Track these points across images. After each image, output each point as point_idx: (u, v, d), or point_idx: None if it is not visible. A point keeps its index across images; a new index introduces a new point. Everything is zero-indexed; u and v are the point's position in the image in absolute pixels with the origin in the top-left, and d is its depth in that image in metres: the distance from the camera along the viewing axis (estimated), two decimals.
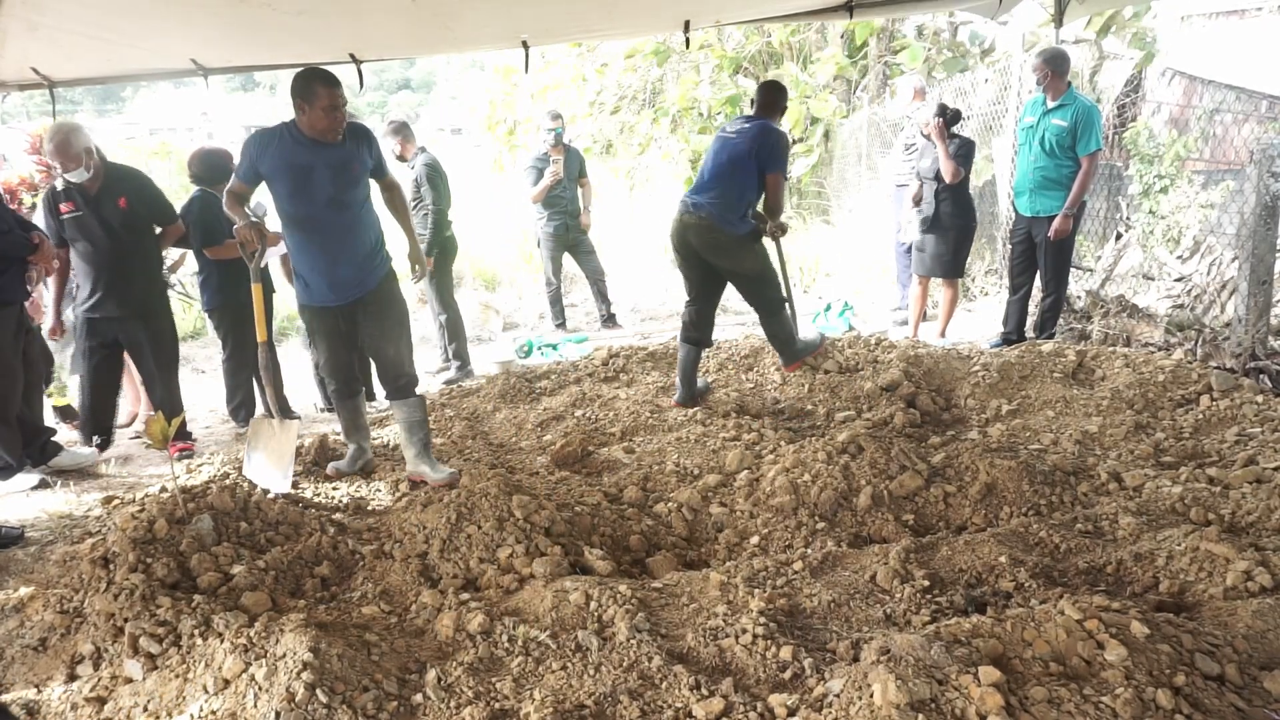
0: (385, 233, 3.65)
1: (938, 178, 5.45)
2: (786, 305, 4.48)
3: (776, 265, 4.50)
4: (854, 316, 6.74)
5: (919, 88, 6.69)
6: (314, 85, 3.24)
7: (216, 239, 4.52)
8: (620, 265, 9.54)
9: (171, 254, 5.69)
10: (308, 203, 3.38)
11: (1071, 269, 5.58)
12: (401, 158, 5.74)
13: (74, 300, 4.41)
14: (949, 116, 5.38)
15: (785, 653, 2.12)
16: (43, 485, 4.04)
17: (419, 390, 3.71)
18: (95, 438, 4.48)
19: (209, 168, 4.58)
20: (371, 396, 5.05)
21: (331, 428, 4.57)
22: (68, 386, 4.61)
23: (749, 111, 4.45)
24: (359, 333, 3.62)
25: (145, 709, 2.19)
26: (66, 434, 4.75)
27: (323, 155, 3.31)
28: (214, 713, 2.09)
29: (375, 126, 3.78)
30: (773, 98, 4.37)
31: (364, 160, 3.44)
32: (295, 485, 3.62)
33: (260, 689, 2.08)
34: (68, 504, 3.83)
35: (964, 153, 5.43)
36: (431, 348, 6.29)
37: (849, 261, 8.39)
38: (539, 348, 6.45)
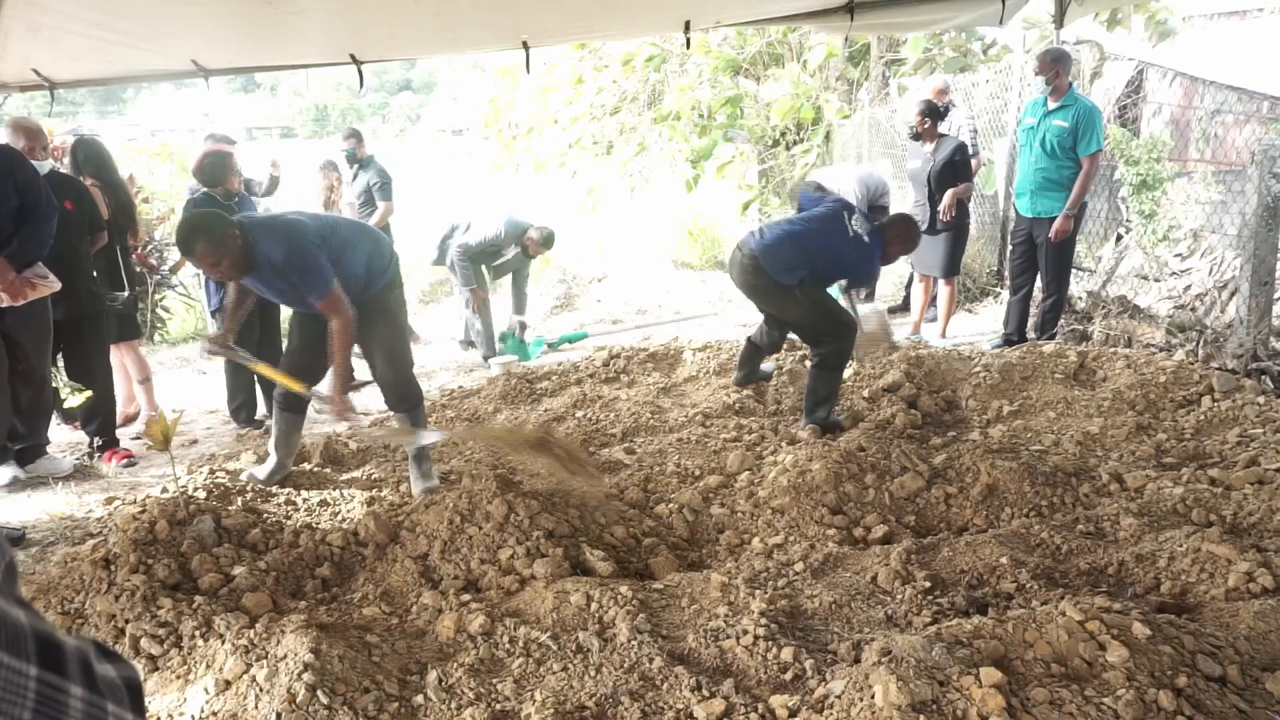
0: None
1: (929, 180, 5.44)
2: (839, 368, 4.06)
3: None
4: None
5: (941, 86, 6.42)
6: None
7: None
8: (620, 266, 9.55)
9: (173, 254, 5.66)
10: None
11: (1072, 270, 5.57)
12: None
13: None
14: (940, 112, 5.33)
15: (786, 654, 2.12)
16: (15, 483, 4.01)
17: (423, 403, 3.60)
18: (96, 439, 4.47)
19: (206, 169, 4.56)
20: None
21: (332, 428, 4.56)
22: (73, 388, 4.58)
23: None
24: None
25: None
26: (69, 435, 4.76)
27: None
28: (215, 714, 2.09)
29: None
30: (907, 233, 4.16)
31: None
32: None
33: (261, 690, 2.08)
34: (69, 505, 3.83)
35: (960, 157, 5.39)
36: None
37: None
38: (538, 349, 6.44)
